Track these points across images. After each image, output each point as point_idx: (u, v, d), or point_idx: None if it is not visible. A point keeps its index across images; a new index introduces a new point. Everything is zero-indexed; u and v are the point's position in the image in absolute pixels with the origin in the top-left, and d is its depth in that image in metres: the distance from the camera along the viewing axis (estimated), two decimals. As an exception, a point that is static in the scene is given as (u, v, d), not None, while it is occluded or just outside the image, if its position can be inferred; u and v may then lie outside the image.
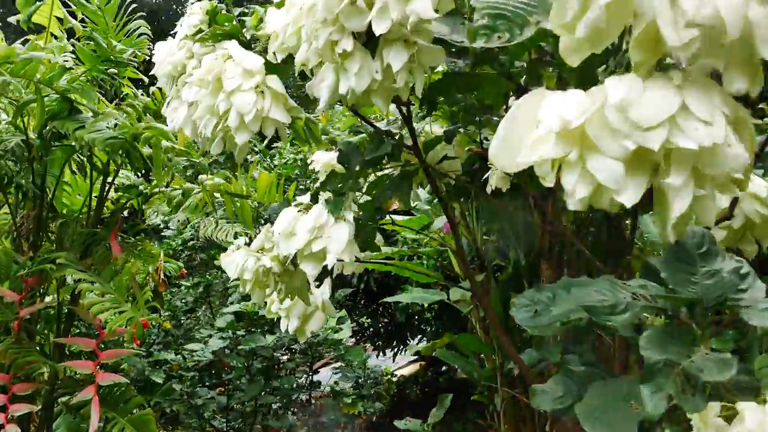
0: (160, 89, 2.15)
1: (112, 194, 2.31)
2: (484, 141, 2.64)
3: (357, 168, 1.11)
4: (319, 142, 1.52)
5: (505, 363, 3.76)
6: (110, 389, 2.36)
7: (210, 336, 3.06)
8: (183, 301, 3.43)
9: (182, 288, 3.55)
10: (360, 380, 3.47)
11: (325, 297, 1.53)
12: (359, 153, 1.13)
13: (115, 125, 1.86)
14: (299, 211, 1.18)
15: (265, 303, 1.54)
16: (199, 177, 2.01)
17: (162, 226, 2.54)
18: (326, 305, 1.54)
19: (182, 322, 3.36)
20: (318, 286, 1.52)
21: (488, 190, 2.18)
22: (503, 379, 3.83)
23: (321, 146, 1.62)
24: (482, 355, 4.34)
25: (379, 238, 1.80)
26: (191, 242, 3.51)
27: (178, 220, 3.54)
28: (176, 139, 1.73)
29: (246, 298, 3.21)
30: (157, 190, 2.11)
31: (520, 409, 3.89)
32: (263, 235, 1.34)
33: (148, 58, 2.00)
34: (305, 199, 1.22)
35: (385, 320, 6.37)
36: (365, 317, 6.53)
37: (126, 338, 2.85)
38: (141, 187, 2.12)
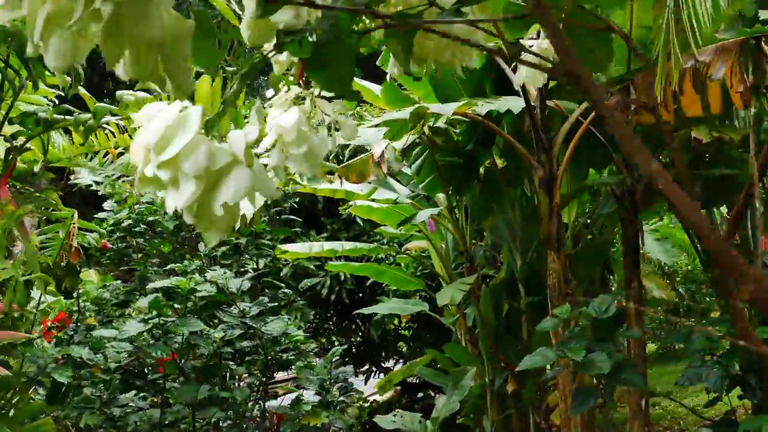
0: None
1: (7, 131, 1.81)
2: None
3: None
4: None
5: (496, 379, 3.26)
6: (-6, 389, 1.81)
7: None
8: (113, 292, 2.85)
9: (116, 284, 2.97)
10: (325, 383, 2.84)
11: (250, 139, 0.86)
12: None
13: None
14: None
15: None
16: (117, 93, 1.51)
17: (95, 187, 2.02)
18: (252, 159, 0.86)
19: (111, 318, 2.78)
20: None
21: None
22: (494, 398, 3.33)
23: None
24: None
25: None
26: (127, 223, 2.93)
27: (113, 197, 3.01)
28: None
29: (183, 272, 2.62)
30: (59, 116, 1.61)
31: (512, 432, 3.40)
32: None
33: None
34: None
35: (359, 338, 5.86)
36: (336, 335, 6.03)
37: (33, 328, 2.29)
38: (42, 114, 1.62)
